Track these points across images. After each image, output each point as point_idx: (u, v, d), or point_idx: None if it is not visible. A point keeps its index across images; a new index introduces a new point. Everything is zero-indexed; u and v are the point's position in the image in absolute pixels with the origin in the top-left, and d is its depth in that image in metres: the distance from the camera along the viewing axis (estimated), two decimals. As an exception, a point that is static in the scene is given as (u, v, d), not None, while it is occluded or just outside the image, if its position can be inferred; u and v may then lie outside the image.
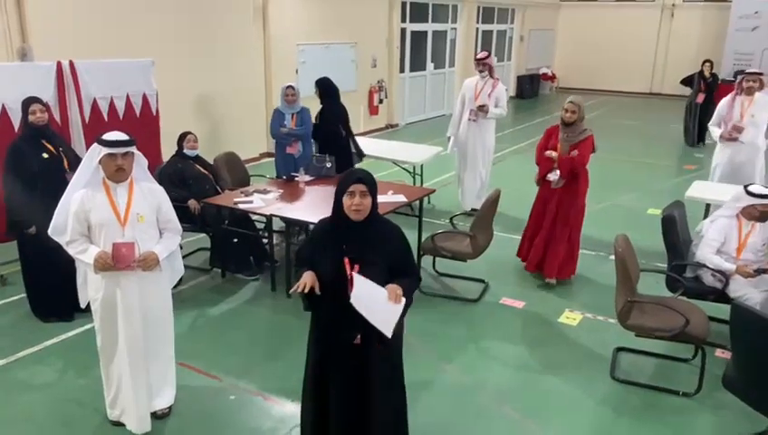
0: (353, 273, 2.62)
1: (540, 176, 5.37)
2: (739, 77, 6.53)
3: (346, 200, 2.63)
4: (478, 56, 7.35)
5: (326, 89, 6.65)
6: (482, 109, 7.06)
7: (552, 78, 19.95)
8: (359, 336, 2.72)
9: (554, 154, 5.20)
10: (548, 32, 20.07)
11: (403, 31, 13.43)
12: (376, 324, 2.62)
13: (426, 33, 14.33)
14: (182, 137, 5.65)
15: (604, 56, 19.29)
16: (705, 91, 11.36)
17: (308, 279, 2.63)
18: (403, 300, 2.64)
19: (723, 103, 6.51)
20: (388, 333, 2.63)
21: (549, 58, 20.24)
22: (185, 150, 5.60)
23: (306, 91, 10.60)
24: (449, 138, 7.49)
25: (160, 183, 5.02)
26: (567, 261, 5.43)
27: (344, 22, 11.45)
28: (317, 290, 2.63)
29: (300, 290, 2.62)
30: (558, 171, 5.20)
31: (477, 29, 16.15)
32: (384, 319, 2.63)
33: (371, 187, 2.66)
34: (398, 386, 3.00)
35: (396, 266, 2.74)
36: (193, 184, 5.51)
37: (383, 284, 2.65)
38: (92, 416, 3.63)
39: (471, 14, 15.58)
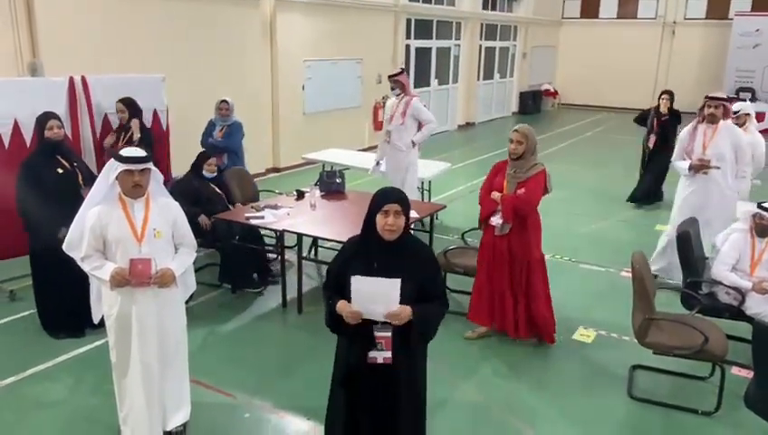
0: (352, 277, 2.61)
1: (481, 219, 4.59)
2: (702, 101, 5.61)
3: (380, 219, 2.61)
4: (390, 73, 6.94)
5: (138, 109, 5.79)
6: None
7: (554, 94, 20.06)
8: (380, 356, 2.69)
9: (498, 195, 4.41)
10: (550, 48, 20.21)
11: (408, 47, 13.52)
12: (379, 317, 2.62)
13: (430, 49, 14.42)
14: (203, 159, 5.65)
15: (605, 73, 19.42)
16: (659, 132, 8.34)
17: (353, 316, 2.63)
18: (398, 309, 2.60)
19: (684, 133, 5.69)
20: (395, 306, 2.58)
21: (551, 74, 20.37)
22: (203, 172, 5.61)
23: (313, 106, 10.79)
24: (377, 162, 7.09)
25: (173, 196, 5.02)
26: (531, 321, 4.63)
27: (350, 38, 11.52)
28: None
29: (352, 324, 2.65)
30: (500, 214, 4.42)
31: (480, 46, 16.26)
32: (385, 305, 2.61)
33: (405, 207, 2.64)
34: (418, 409, 2.95)
35: (423, 288, 2.68)
36: (206, 204, 5.51)
37: (412, 302, 2.64)
38: (105, 434, 3.58)
39: (474, 31, 15.70)
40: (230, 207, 5.70)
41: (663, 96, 8.35)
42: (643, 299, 3.90)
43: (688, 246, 4.52)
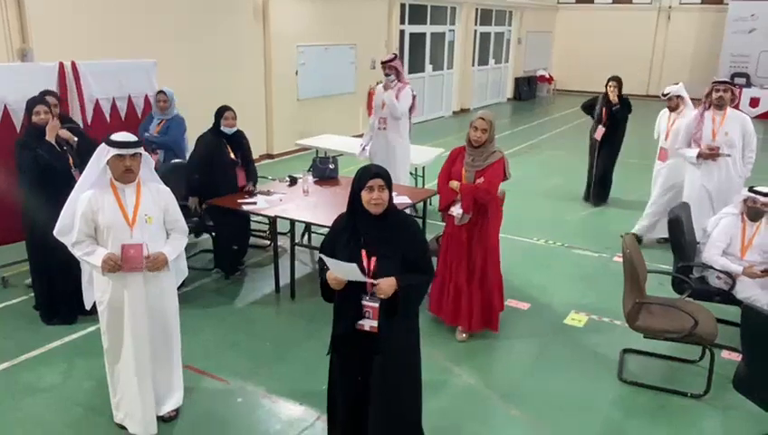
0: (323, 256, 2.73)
1: (441, 208, 4.46)
2: (708, 87, 5.55)
3: (365, 195, 2.70)
4: (384, 59, 6.74)
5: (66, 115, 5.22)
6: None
7: (550, 80, 20.00)
8: (367, 324, 2.78)
9: (457, 184, 4.27)
10: (545, 34, 20.13)
11: (402, 32, 13.45)
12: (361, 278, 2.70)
13: (424, 34, 14.35)
14: (220, 112, 5.38)
15: (601, 58, 19.28)
16: (608, 123, 7.55)
17: (335, 281, 2.73)
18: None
19: (690, 120, 5.68)
20: (363, 277, 2.68)
21: (546, 60, 20.30)
22: (222, 128, 5.33)
23: (306, 92, 10.73)
24: (363, 147, 7.02)
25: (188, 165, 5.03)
26: (484, 312, 4.51)
27: (343, 23, 11.45)
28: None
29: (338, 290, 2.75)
30: (460, 205, 4.29)
31: (475, 31, 16.18)
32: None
33: (388, 181, 2.74)
34: (409, 393, 3.01)
35: (409, 260, 2.78)
36: (217, 171, 5.34)
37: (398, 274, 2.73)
38: (99, 419, 3.60)
39: (469, 15, 15.61)
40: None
41: (610, 83, 7.44)
42: (633, 283, 3.92)
43: (680, 230, 4.53)
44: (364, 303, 2.79)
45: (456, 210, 4.29)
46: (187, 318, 4.52)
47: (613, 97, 7.42)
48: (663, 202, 6.37)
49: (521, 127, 14.11)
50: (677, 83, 6.42)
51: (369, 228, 2.76)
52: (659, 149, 6.47)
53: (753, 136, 5.52)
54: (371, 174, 2.71)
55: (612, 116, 7.50)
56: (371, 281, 2.70)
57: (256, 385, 3.96)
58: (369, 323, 2.79)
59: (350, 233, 2.78)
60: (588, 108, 7.88)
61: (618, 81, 7.43)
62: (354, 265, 2.65)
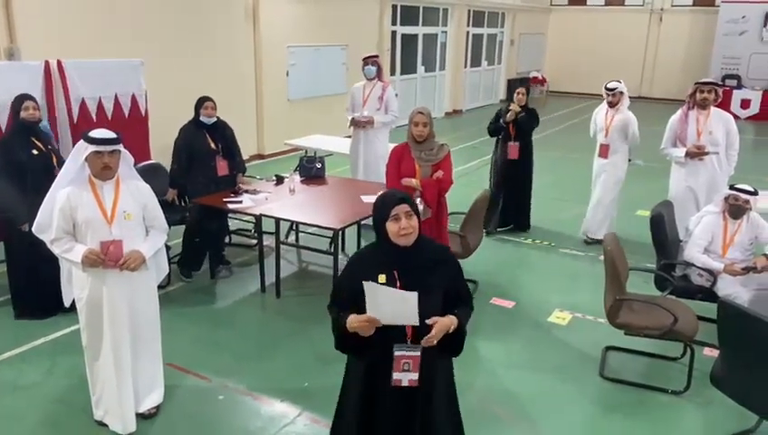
0: (364, 282, 2.27)
1: None
2: (691, 87, 5.58)
3: (391, 226, 2.33)
4: (365, 56, 6.74)
5: None
6: (359, 124, 6.61)
7: (543, 81, 20.04)
8: (405, 378, 2.41)
9: (414, 182, 4.32)
10: (538, 36, 20.19)
11: (394, 34, 13.47)
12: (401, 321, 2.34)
13: (416, 36, 14.37)
14: (200, 102, 5.39)
15: (594, 60, 19.42)
16: (519, 138, 6.54)
17: (370, 323, 2.29)
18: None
19: (674, 120, 5.65)
20: (415, 320, 2.28)
21: (539, 62, 20.35)
22: (201, 118, 5.35)
23: (297, 93, 10.74)
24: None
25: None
26: None
27: (335, 24, 11.46)
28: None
29: (362, 333, 2.32)
30: (420, 200, 4.30)
31: (468, 32, 16.22)
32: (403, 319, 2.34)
33: (413, 206, 2.38)
34: (458, 426, 2.75)
35: (450, 291, 2.45)
36: (196, 160, 5.35)
37: (439, 311, 2.39)
38: (79, 416, 3.59)
39: (462, 17, 15.64)
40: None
41: (519, 92, 6.51)
42: (614, 280, 3.93)
43: (662, 228, 4.55)
44: (401, 352, 2.36)
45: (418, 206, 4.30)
46: (170, 316, 4.53)
47: (515, 107, 6.43)
48: (609, 200, 6.42)
49: (513, 128, 14.11)
50: (619, 80, 6.38)
51: (403, 262, 2.36)
52: (599, 145, 6.39)
53: (735, 135, 5.56)
54: (395, 200, 2.33)
55: (522, 129, 6.55)
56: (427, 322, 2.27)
57: (238, 383, 3.96)
58: (407, 377, 2.39)
59: (382, 270, 2.36)
60: (496, 131, 6.72)
61: (528, 89, 6.64)
62: (414, 294, 2.19)
